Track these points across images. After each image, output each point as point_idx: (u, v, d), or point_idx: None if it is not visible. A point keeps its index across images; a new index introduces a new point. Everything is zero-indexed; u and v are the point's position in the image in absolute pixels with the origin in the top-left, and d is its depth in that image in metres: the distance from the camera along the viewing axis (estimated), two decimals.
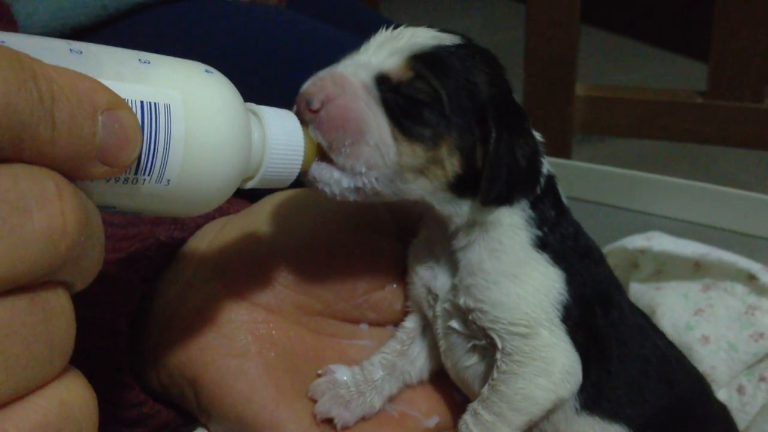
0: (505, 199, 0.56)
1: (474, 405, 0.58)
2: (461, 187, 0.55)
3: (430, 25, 0.58)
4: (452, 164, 0.54)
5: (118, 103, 0.34)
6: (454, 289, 0.59)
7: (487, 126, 0.54)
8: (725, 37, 1.21)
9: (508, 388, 0.56)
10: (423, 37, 0.55)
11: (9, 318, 0.30)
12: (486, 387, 0.58)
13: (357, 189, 0.53)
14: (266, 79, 0.98)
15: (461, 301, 0.58)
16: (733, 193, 0.92)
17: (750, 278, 0.84)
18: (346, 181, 0.52)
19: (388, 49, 0.55)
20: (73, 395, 0.34)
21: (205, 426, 0.63)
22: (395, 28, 0.58)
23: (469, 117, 0.54)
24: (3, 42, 0.33)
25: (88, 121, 0.32)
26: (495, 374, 0.57)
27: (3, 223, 0.29)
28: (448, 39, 0.56)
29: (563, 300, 0.57)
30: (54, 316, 0.32)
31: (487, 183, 0.54)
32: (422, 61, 0.54)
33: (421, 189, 0.55)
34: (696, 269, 0.89)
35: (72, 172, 0.33)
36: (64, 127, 0.31)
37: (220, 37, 1.06)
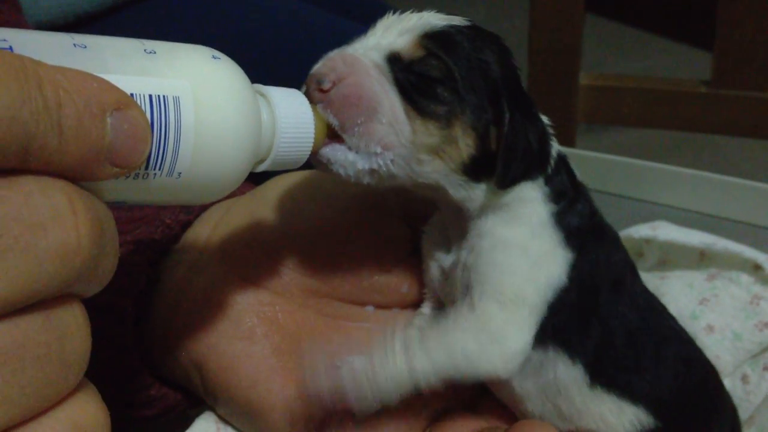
0: (519, 181, 0.56)
1: (414, 323, 0.58)
2: (475, 170, 0.55)
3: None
4: (467, 144, 0.54)
5: (126, 102, 0.33)
6: (459, 251, 0.59)
7: (500, 106, 0.54)
8: (729, 27, 1.21)
9: (455, 340, 0.55)
10: (433, 18, 0.56)
11: (23, 339, 0.30)
12: (434, 319, 0.57)
13: (372, 171, 0.52)
14: (269, 66, 0.98)
15: (462, 256, 0.58)
16: (738, 183, 0.91)
17: (756, 268, 0.84)
18: (361, 163, 0.52)
19: (397, 30, 0.55)
20: (86, 415, 0.33)
21: (211, 408, 0.63)
22: (401, 13, 0.57)
23: (482, 96, 0.54)
24: (5, 40, 0.32)
25: (97, 124, 0.31)
26: (451, 319, 0.56)
27: (16, 242, 0.29)
28: (457, 20, 0.56)
29: (561, 284, 0.57)
30: (69, 334, 0.32)
31: (503, 164, 0.53)
32: (433, 39, 0.54)
33: (436, 171, 0.54)
34: (701, 259, 0.88)
35: (81, 175, 0.32)
36: (72, 133, 0.30)
37: (225, 24, 1.06)
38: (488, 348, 0.55)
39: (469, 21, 0.57)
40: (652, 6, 3.25)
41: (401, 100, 0.52)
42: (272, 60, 1.00)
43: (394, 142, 0.52)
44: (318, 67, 0.52)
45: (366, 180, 0.53)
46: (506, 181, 0.54)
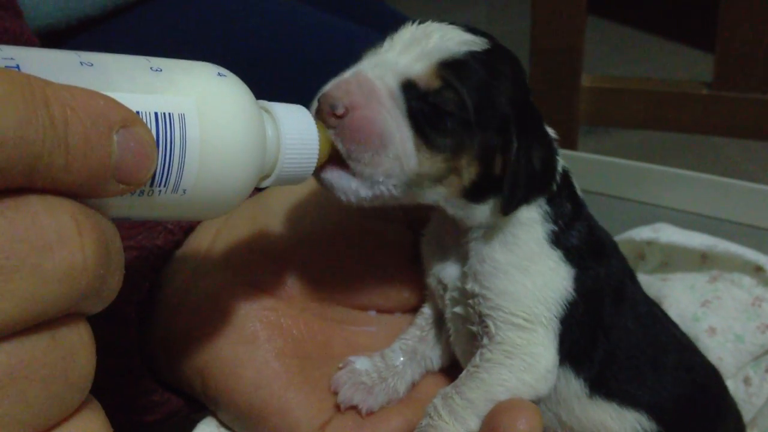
0: (523, 204, 0.56)
1: (446, 389, 0.57)
2: (475, 193, 0.55)
3: (435, 16, 0.57)
4: (469, 173, 0.54)
5: (132, 120, 0.33)
6: (464, 276, 0.59)
7: (509, 135, 0.53)
8: (731, 28, 1.20)
9: (491, 377, 0.56)
10: (452, 40, 0.54)
11: (29, 359, 0.30)
12: (464, 372, 0.57)
13: (374, 198, 0.53)
14: (275, 73, 0.98)
15: (468, 285, 0.58)
16: (740, 184, 0.91)
17: (757, 270, 0.84)
18: (364, 191, 0.52)
19: (416, 52, 0.53)
20: None
21: (213, 414, 0.63)
22: (416, 22, 0.56)
23: (492, 128, 0.53)
24: (12, 59, 0.32)
25: (103, 142, 0.32)
26: (477, 360, 0.57)
27: (22, 264, 0.29)
28: (476, 44, 0.54)
29: (569, 297, 0.57)
30: (74, 353, 0.32)
31: (509, 192, 0.54)
32: (451, 69, 0.52)
33: (437, 195, 0.55)
34: (703, 261, 0.88)
35: (87, 193, 0.32)
36: (79, 151, 0.31)
37: (229, 29, 1.06)
38: (523, 376, 0.56)
39: (489, 42, 0.55)
40: (654, 8, 3.25)
41: (412, 131, 0.52)
42: (273, 62, 1.00)
43: (398, 172, 0.52)
44: (332, 89, 0.52)
45: (367, 204, 0.53)
46: (511, 207, 0.55)
